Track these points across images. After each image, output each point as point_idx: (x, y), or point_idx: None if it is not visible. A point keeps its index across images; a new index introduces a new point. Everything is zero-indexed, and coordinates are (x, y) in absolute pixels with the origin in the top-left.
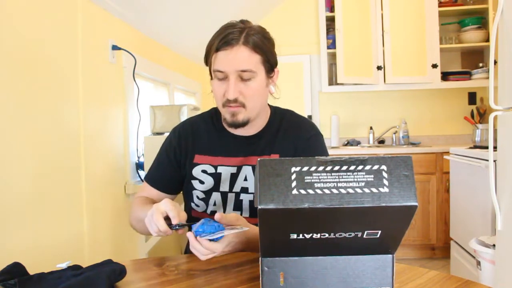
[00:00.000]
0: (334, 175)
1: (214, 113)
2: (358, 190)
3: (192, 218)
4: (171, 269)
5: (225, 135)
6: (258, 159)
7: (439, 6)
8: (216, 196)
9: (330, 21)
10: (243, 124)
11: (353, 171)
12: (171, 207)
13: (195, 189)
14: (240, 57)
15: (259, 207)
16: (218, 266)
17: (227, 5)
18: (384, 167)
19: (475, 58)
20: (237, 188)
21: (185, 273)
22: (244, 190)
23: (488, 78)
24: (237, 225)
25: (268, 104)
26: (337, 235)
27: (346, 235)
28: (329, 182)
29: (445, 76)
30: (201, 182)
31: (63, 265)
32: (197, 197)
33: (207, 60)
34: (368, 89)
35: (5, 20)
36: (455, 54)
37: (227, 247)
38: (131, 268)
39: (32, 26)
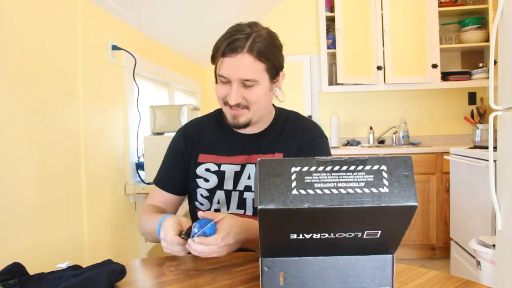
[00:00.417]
0: (334, 175)
1: (218, 113)
2: (358, 190)
3: (197, 217)
4: (171, 269)
5: (229, 134)
6: (258, 159)
7: (439, 6)
8: (220, 194)
9: (330, 21)
10: (245, 125)
11: (353, 171)
12: (174, 226)
13: (199, 187)
14: (244, 65)
15: (259, 207)
16: (218, 266)
17: (227, 5)
18: (384, 167)
19: (475, 58)
20: (240, 187)
21: (185, 273)
22: (248, 188)
23: (488, 78)
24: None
25: (273, 105)
26: (337, 235)
27: (346, 235)
28: (329, 182)
29: (445, 76)
30: (206, 180)
31: (63, 265)
32: (201, 195)
33: (213, 61)
34: (368, 89)
35: (5, 20)
36: (455, 54)
37: (228, 237)
38: (131, 268)
39: (32, 26)
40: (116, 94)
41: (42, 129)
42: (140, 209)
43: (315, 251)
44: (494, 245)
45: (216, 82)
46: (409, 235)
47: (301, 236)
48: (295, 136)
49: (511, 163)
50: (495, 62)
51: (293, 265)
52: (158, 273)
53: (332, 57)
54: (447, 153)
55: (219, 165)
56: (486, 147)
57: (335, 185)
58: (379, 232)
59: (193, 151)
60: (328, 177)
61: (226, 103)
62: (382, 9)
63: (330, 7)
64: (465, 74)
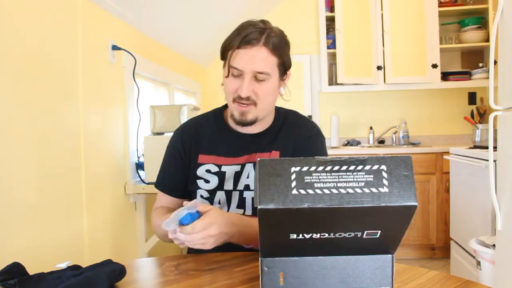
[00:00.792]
0: (334, 175)
1: (219, 112)
2: (358, 190)
3: None
4: (171, 269)
5: (229, 134)
6: (258, 158)
7: (439, 6)
8: (220, 195)
9: (330, 21)
10: (251, 123)
11: (353, 171)
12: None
13: (200, 189)
14: (259, 57)
15: (259, 207)
16: (218, 266)
17: (227, 5)
18: (384, 167)
19: (475, 58)
20: (240, 186)
21: (185, 273)
22: (247, 187)
23: (488, 78)
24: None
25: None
26: (337, 235)
27: (346, 235)
28: (329, 182)
29: (445, 76)
30: (206, 181)
31: (63, 265)
32: (202, 196)
33: (224, 55)
34: (368, 89)
35: (5, 20)
36: (455, 54)
37: (212, 227)
38: (131, 268)
39: (32, 26)
40: (116, 94)
41: (42, 129)
42: (152, 214)
43: (315, 251)
44: (494, 245)
45: (227, 76)
46: (409, 235)
47: (301, 236)
48: (292, 134)
49: (511, 163)
50: (495, 62)
51: (293, 265)
52: (158, 273)
53: (332, 57)
54: (447, 153)
55: (219, 166)
56: (486, 147)
57: (335, 185)
58: (379, 232)
59: (192, 151)
60: (328, 177)
61: (235, 100)
62: (382, 9)
63: (330, 7)
64: (465, 74)
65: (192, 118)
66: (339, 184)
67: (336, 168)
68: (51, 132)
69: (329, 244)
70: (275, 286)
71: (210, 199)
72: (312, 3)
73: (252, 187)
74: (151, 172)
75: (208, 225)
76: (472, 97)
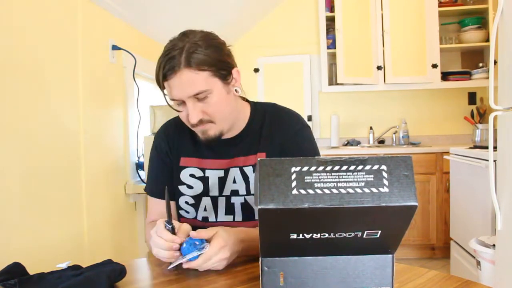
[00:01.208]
0: (334, 175)
1: None
2: (358, 190)
3: None
4: (171, 269)
5: None
6: (258, 159)
7: (439, 6)
8: (206, 201)
9: (330, 21)
10: (217, 138)
11: (353, 171)
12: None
13: (184, 195)
14: (186, 82)
15: (259, 207)
16: None
17: (226, 5)
18: (384, 167)
19: (475, 58)
20: (227, 192)
21: (185, 273)
22: (235, 192)
23: (488, 78)
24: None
25: (248, 100)
26: (337, 235)
27: (346, 235)
28: (329, 182)
29: (445, 76)
30: (189, 187)
31: (63, 265)
32: (186, 202)
33: (160, 87)
34: (368, 89)
35: (5, 20)
36: (455, 54)
37: (223, 250)
38: (131, 268)
39: (32, 26)
40: (116, 94)
41: (42, 128)
42: (146, 228)
43: (315, 251)
44: (494, 245)
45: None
46: (409, 235)
47: (301, 236)
48: (276, 131)
49: (511, 163)
50: (495, 62)
51: (293, 265)
52: (158, 273)
53: (332, 57)
54: (447, 153)
55: (203, 170)
56: (486, 147)
57: (335, 185)
58: (379, 232)
59: (174, 152)
60: (328, 177)
61: (192, 125)
62: (382, 9)
63: (330, 7)
64: (465, 74)
65: (173, 117)
66: (339, 184)
67: (336, 168)
68: (51, 132)
69: (329, 244)
70: (275, 286)
71: (195, 205)
72: (312, 3)
73: (240, 192)
74: None
75: (219, 250)
76: (472, 97)
